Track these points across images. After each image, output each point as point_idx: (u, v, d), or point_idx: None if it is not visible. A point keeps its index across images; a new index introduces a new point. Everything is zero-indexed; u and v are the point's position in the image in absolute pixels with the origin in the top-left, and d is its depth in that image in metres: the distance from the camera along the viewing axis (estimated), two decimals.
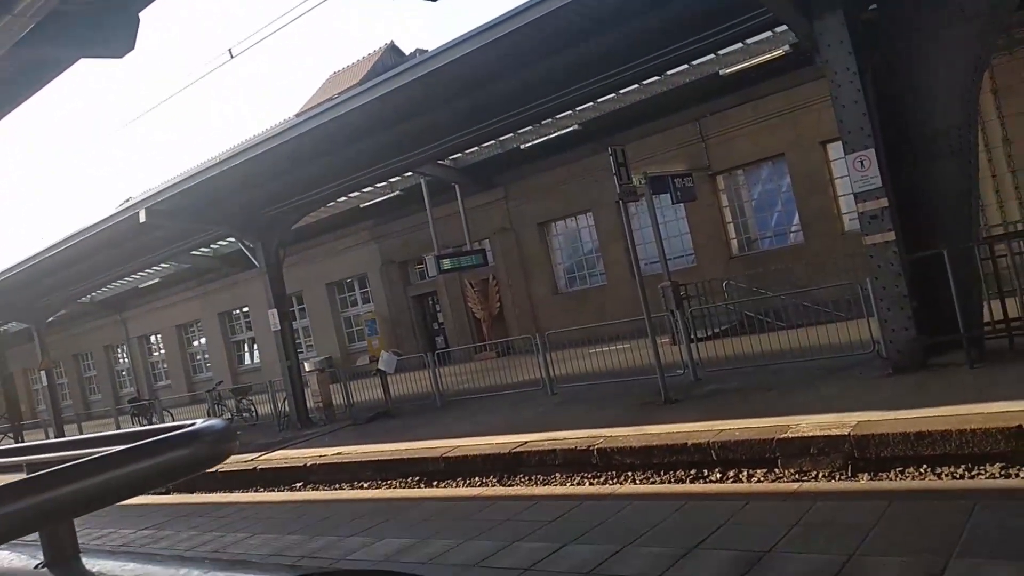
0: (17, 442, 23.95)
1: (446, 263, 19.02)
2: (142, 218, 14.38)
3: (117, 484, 1.22)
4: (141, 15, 7.63)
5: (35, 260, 18.44)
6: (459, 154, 18.50)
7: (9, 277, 19.78)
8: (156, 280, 28.34)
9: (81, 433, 23.24)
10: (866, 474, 6.21)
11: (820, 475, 6.43)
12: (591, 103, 15.29)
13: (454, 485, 8.81)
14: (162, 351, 32.42)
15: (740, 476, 6.92)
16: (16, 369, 30.92)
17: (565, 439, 8.40)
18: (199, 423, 1.15)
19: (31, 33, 6.32)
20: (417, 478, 9.38)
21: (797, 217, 17.05)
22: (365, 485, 9.78)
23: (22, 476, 1.74)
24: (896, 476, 6.05)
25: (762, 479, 6.71)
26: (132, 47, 7.65)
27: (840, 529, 4.14)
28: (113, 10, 7.41)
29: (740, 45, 13.22)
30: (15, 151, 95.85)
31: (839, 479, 6.28)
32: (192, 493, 10.47)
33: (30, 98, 9.13)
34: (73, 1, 6.69)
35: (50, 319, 25.19)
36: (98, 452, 1.34)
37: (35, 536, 1.53)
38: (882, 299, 8.52)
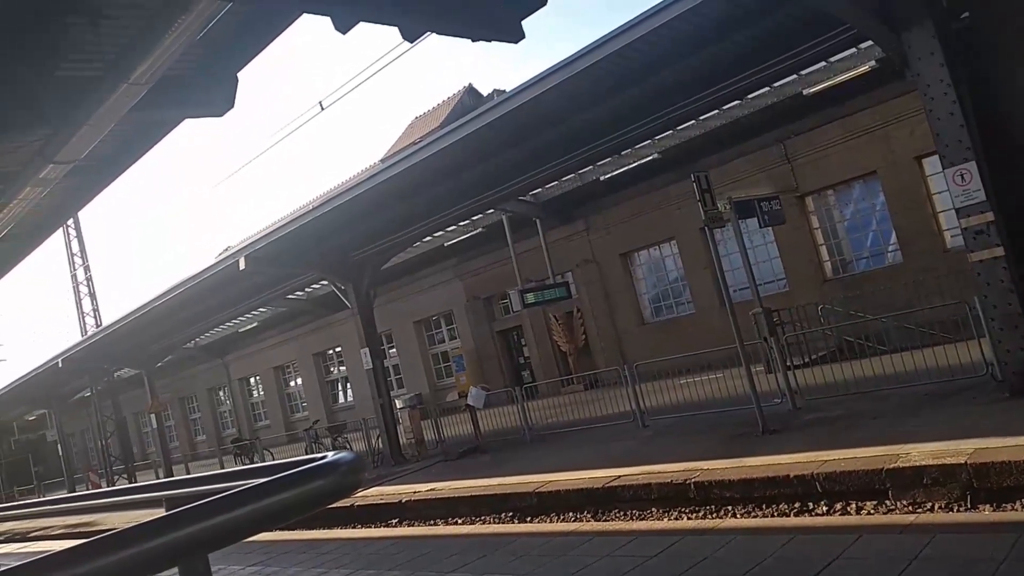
0: (131, 482, 25.22)
1: (530, 297, 19.10)
2: (242, 265, 15.10)
3: (253, 518, 1.28)
4: (239, 75, 8.14)
5: (145, 309, 19.56)
6: (539, 189, 18.68)
7: (122, 326, 21.04)
8: (255, 324, 29.56)
9: (188, 473, 24.26)
10: (988, 505, 5.82)
11: (936, 506, 6.07)
12: (671, 131, 15.21)
13: (548, 520, 8.74)
14: (261, 392, 33.67)
15: (848, 509, 6.60)
16: (128, 413, 32.70)
17: (660, 472, 8.23)
18: (331, 455, 1.21)
19: (143, 98, 6.83)
20: (511, 513, 9.36)
21: (894, 236, 16.35)
22: (460, 521, 9.82)
23: (162, 511, 1.85)
24: (1023, 508, 5.65)
25: (872, 511, 6.38)
26: (232, 105, 8.15)
27: (966, 563, 3.89)
28: (214, 72, 7.93)
29: (824, 64, 12.91)
30: (123, 208, 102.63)
31: (958, 510, 5.91)
32: (293, 530, 10.74)
33: (140, 158, 9.83)
34: (179, 66, 7.18)
35: (158, 364, 26.61)
36: (233, 487, 1.42)
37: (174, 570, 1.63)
38: (993, 318, 8.05)
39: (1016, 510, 5.62)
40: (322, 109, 11.80)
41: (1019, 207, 8.23)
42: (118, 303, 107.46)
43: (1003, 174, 8.23)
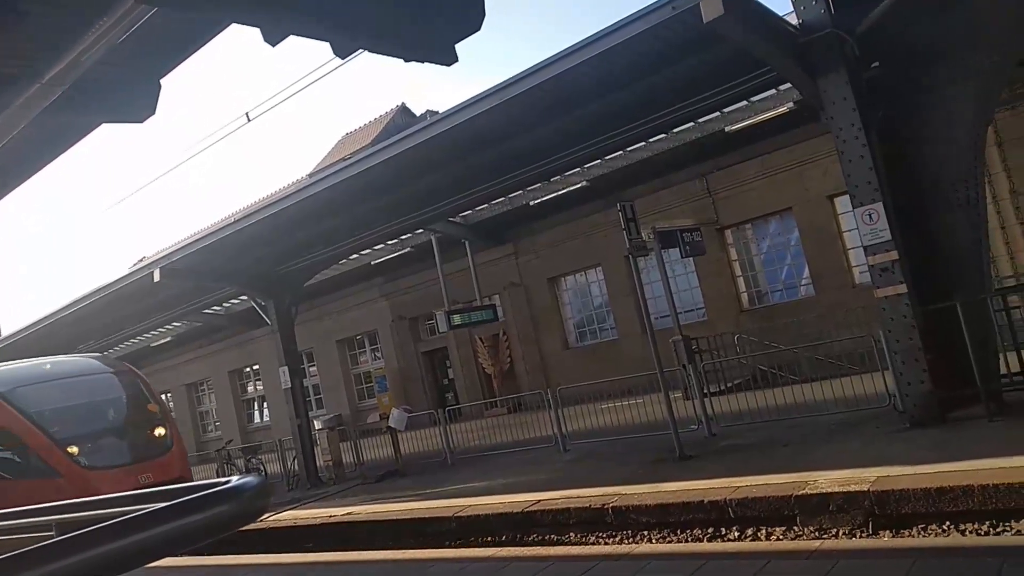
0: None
1: (456, 319, 19.01)
2: (156, 277, 14.54)
3: (149, 545, 1.22)
4: (162, 81, 7.87)
5: (51, 319, 18.62)
6: (469, 211, 18.72)
7: (28, 335, 19.93)
8: (168, 339, 28.43)
9: None
10: (888, 531, 6.09)
11: (841, 532, 6.30)
12: (599, 160, 15.52)
13: (467, 545, 8.65)
14: (172, 410, 32.32)
15: (759, 534, 6.79)
16: None
17: (579, 497, 8.28)
18: (235, 479, 1.16)
19: (57, 99, 6.51)
20: (430, 538, 9.22)
21: (807, 270, 17.07)
22: (377, 546, 9.61)
23: (52, 536, 1.73)
24: (919, 533, 5.93)
25: (781, 537, 6.58)
26: (153, 112, 7.84)
27: None
28: (136, 76, 7.63)
29: (745, 103, 13.45)
30: (30, 214, 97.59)
31: (860, 536, 6.15)
32: (201, 555, 10.28)
33: (51, 162, 9.35)
34: (99, 68, 6.89)
35: None
36: (131, 511, 1.35)
37: None
38: (896, 352, 8.47)
39: (913, 536, 5.89)
40: (248, 120, 11.54)
41: (922, 246, 8.72)
42: (19, 313, 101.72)
43: (908, 214, 8.72)
